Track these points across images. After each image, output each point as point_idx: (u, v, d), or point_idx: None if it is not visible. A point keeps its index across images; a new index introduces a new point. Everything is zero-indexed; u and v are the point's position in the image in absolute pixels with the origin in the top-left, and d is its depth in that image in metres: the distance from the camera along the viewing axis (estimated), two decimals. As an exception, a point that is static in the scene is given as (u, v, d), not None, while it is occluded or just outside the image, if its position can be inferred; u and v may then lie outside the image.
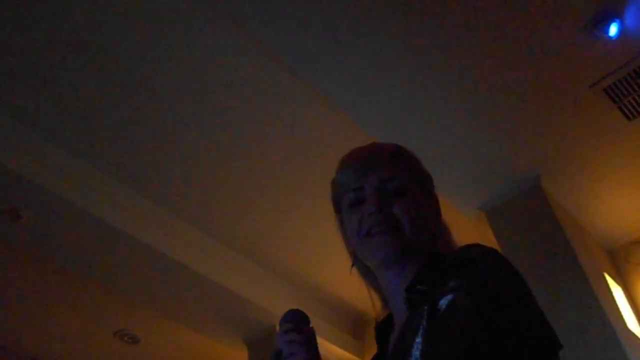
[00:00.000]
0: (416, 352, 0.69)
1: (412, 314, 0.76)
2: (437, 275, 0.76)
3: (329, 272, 3.78)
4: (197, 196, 3.30)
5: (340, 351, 4.18)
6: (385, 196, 0.85)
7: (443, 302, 0.70)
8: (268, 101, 2.84)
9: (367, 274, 0.94)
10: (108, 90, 2.72)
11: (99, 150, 2.98)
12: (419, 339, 0.70)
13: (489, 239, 3.08)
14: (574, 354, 2.41)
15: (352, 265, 0.94)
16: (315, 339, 0.85)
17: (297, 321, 0.86)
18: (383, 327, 0.91)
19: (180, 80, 2.71)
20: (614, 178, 3.17)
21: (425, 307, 0.72)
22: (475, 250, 0.78)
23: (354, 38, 2.41)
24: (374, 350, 0.94)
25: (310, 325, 0.87)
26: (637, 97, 2.75)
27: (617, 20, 2.43)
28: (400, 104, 2.72)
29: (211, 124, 2.93)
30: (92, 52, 2.55)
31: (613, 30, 2.44)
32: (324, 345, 4.08)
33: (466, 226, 3.30)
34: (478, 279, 0.71)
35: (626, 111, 2.81)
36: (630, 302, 3.26)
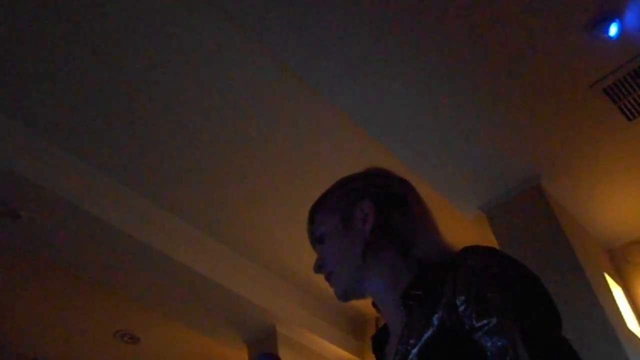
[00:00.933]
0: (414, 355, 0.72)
1: (410, 318, 0.79)
2: (435, 282, 0.78)
3: (329, 272, 3.78)
4: (197, 196, 3.31)
5: (340, 351, 4.18)
6: (319, 253, 1.01)
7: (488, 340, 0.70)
8: (270, 103, 2.84)
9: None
10: (109, 90, 2.72)
11: (99, 150, 2.98)
12: (422, 343, 0.73)
13: (489, 239, 3.08)
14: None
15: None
16: None
17: None
18: (379, 337, 0.94)
19: (181, 81, 2.71)
20: (614, 178, 3.18)
21: (437, 315, 0.74)
22: (482, 258, 0.78)
23: (355, 38, 2.41)
24: (374, 350, 0.96)
25: None
26: (637, 97, 2.75)
27: (617, 20, 2.42)
28: (400, 105, 2.72)
29: (212, 125, 2.92)
30: (92, 52, 2.55)
31: (613, 30, 2.43)
32: (324, 346, 4.08)
33: (466, 226, 3.30)
34: (513, 303, 0.72)
35: (626, 111, 2.81)
36: (630, 302, 3.26)
